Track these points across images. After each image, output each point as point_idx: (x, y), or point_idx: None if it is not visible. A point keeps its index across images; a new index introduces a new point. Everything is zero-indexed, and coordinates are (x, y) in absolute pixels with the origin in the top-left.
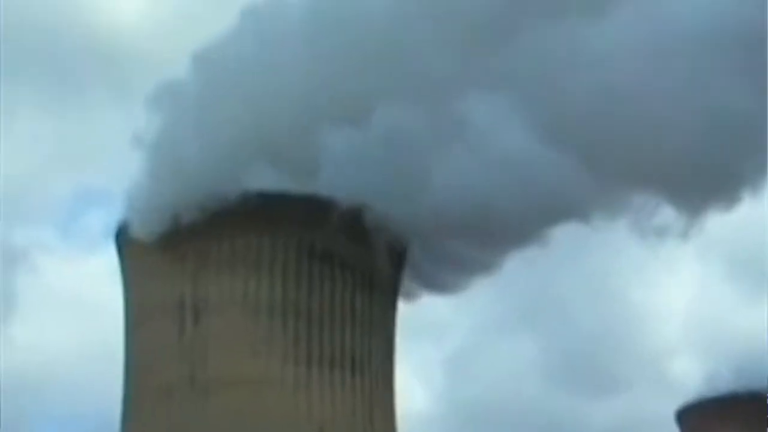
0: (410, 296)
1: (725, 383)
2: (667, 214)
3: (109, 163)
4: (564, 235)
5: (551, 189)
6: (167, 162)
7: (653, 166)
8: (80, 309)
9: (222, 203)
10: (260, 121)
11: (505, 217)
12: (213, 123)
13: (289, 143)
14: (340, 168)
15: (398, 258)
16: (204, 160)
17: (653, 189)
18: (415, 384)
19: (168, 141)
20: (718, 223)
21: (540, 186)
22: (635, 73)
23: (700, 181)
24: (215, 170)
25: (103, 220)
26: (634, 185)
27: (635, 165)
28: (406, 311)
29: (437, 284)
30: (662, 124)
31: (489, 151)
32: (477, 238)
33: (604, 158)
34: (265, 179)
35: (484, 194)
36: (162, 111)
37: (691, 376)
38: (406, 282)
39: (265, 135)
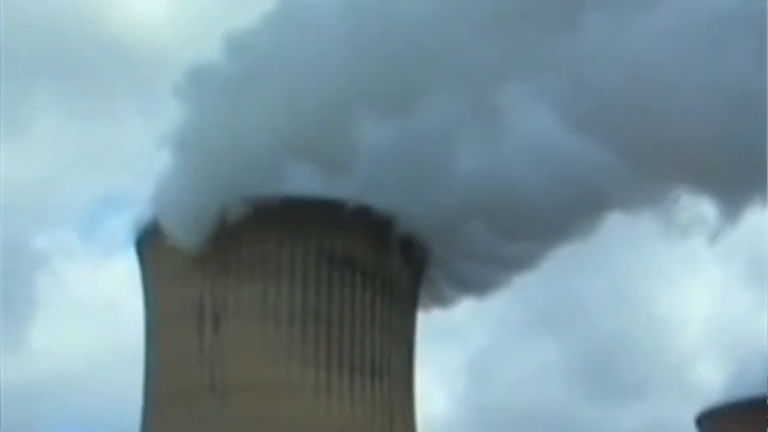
0: (432, 302)
1: (746, 388)
2: (704, 209)
3: (131, 166)
4: (576, 244)
5: (586, 179)
6: (194, 162)
7: (689, 157)
8: (101, 313)
9: (243, 209)
10: (295, 116)
11: (539, 207)
12: (244, 116)
13: (324, 139)
14: (374, 165)
15: (419, 264)
16: (233, 159)
17: (689, 181)
18: (435, 389)
19: (196, 138)
20: (740, 225)
21: (574, 176)
22: (670, 62)
23: (737, 173)
24: (245, 171)
25: (125, 225)
26: (670, 176)
27: (670, 155)
28: (426, 316)
29: (464, 285)
30: (696, 113)
31: (522, 140)
32: (511, 231)
33: (638, 148)
34: (298, 178)
35: (517, 183)
36: (190, 102)
37: (711, 381)
38: (427, 289)
39: (300, 131)
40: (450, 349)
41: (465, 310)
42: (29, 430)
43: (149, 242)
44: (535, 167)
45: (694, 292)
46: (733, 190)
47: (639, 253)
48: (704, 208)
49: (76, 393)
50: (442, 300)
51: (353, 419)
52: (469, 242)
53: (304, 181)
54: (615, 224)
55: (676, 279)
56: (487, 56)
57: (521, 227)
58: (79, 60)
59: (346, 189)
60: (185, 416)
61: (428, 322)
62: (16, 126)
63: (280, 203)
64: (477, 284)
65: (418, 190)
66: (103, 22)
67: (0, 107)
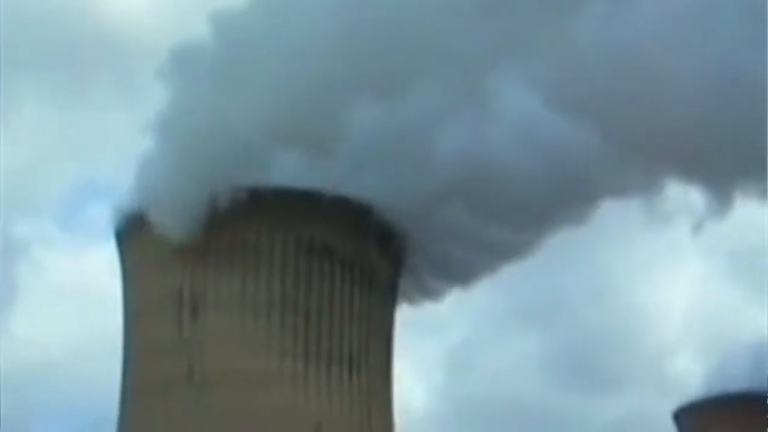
0: (415, 292)
1: (725, 382)
2: (691, 197)
3: (111, 155)
4: (564, 232)
5: (571, 162)
6: (179, 147)
7: (678, 145)
8: (81, 302)
9: (233, 198)
10: (282, 100)
11: (522, 189)
12: (230, 100)
13: (311, 124)
14: (359, 150)
15: (398, 254)
16: (218, 145)
17: (677, 169)
18: (414, 381)
19: (180, 122)
20: (724, 218)
21: (559, 159)
22: (660, 49)
23: (727, 162)
24: (230, 157)
25: (105, 213)
26: (658, 164)
27: (659, 142)
28: (405, 307)
29: (448, 273)
30: (685, 100)
31: (507, 123)
32: (496, 215)
33: (626, 134)
34: (283, 164)
35: (501, 165)
36: (174, 84)
37: (691, 375)
38: (409, 279)
39: (287, 115)
40: (429, 341)
41: (445, 302)
42: (8, 418)
43: (129, 231)
44: (518, 149)
45: (675, 284)
46: (722, 179)
47: (620, 245)
48: (692, 196)
49: (56, 381)
50: (425, 290)
51: (331, 411)
52: (453, 228)
53: (289, 167)
54: (598, 216)
55: (658, 271)
56: (476, 40)
57: (506, 211)
58: (60, 48)
59: (330, 175)
60: (163, 407)
61: (407, 314)
62: None
63: (259, 193)
64: (461, 272)
65: (401, 174)
66: (85, 10)
67: None
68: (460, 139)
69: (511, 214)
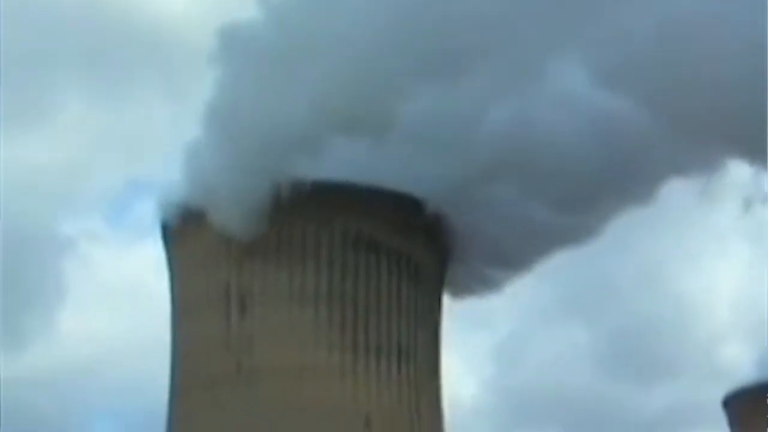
0: (466, 285)
1: None
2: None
3: (158, 150)
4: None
5: (627, 141)
6: (230, 138)
7: (728, 123)
8: (128, 298)
9: (285, 192)
10: (335, 87)
11: (572, 165)
12: (281, 86)
13: (363, 110)
14: (410, 137)
15: (446, 247)
16: (271, 135)
17: (726, 148)
18: (462, 373)
19: (230, 111)
20: None
21: (615, 138)
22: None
23: None
24: (283, 148)
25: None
26: (707, 141)
27: (715, 118)
28: (452, 300)
29: (502, 262)
30: (734, 77)
31: (561, 102)
32: (548, 196)
33: (676, 110)
34: (335, 153)
35: (550, 138)
36: (224, 66)
37: (740, 362)
38: (457, 272)
39: (340, 102)
40: (477, 333)
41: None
42: (57, 414)
43: (176, 226)
44: (569, 127)
45: (723, 271)
46: None
47: (669, 231)
48: (742, 176)
49: (105, 378)
50: (480, 281)
51: (380, 403)
52: (506, 212)
53: (339, 157)
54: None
55: (706, 259)
56: (526, 20)
57: (561, 193)
58: (105, 44)
59: (379, 165)
60: (212, 402)
61: (455, 306)
62: (42, 112)
63: (306, 187)
64: (517, 260)
65: (451, 158)
66: (128, 6)
67: (26, 93)
68: (511, 118)
69: (566, 196)
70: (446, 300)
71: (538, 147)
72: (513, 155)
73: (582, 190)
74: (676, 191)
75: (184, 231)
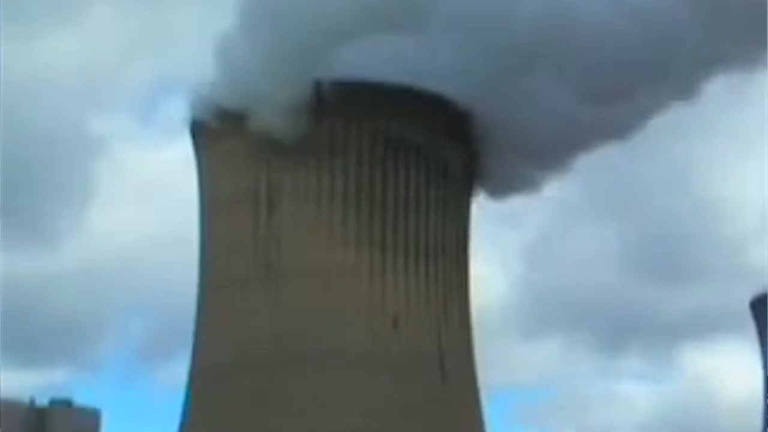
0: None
1: None
2: None
3: (186, 48)
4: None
5: (666, 30)
6: (266, 36)
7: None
8: (158, 197)
9: (298, 92)
10: None
11: (616, 57)
12: None
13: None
14: (441, 28)
15: (475, 145)
16: (301, 33)
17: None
18: (491, 272)
19: (262, 8)
20: None
21: (654, 27)
22: None
23: None
24: (315, 46)
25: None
26: (744, 37)
27: (754, 13)
28: (482, 199)
29: (535, 160)
30: None
31: None
32: (597, 90)
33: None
34: (361, 53)
35: (583, 21)
36: None
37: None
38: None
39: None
40: (506, 232)
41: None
42: (88, 313)
43: (206, 125)
44: (604, 10)
45: (753, 174)
46: None
47: (699, 135)
48: None
49: (134, 277)
50: (514, 180)
51: (408, 301)
52: (537, 107)
53: (378, 52)
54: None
55: (736, 162)
56: None
57: (596, 82)
58: None
59: (408, 61)
60: (240, 301)
61: (484, 205)
62: (73, 12)
63: (334, 87)
64: (549, 157)
65: (482, 47)
66: None
67: None
68: (548, 4)
69: (603, 87)
70: (476, 199)
71: (576, 33)
72: (549, 42)
73: (619, 81)
74: (709, 94)
75: (214, 130)
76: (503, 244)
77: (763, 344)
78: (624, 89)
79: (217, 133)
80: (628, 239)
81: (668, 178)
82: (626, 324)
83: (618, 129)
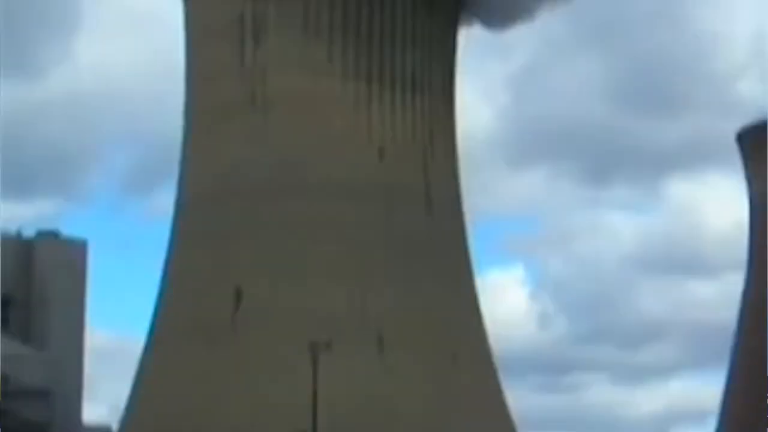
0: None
1: None
2: None
3: None
4: None
5: None
6: None
7: None
8: (144, 26)
9: None
10: None
11: None
12: None
13: None
14: None
15: None
16: None
17: None
18: (477, 103)
19: None
20: None
21: None
22: None
23: None
24: None
25: None
26: None
27: None
28: (469, 31)
29: None
30: None
31: None
32: None
33: None
34: None
35: None
36: None
37: (755, 98)
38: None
39: None
40: (492, 63)
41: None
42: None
43: None
44: None
45: (742, 9)
46: None
47: None
48: None
49: (120, 106)
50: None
51: (393, 134)
52: None
53: None
54: None
55: None
56: None
57: None
58: None
59: None
60: (226, 130)
61: (471, 36)
62: None
63: None
64: None
65: None
66: None
67: None
68: None
69: None
70: (463, 30)
71: None
72: None
73: None
74: None
75: None
76: (490, 75)
77: (747, 176)
78: None
79: None
80: (617, 71)
81: (659, 11)
82: (613, 155)
83: None
